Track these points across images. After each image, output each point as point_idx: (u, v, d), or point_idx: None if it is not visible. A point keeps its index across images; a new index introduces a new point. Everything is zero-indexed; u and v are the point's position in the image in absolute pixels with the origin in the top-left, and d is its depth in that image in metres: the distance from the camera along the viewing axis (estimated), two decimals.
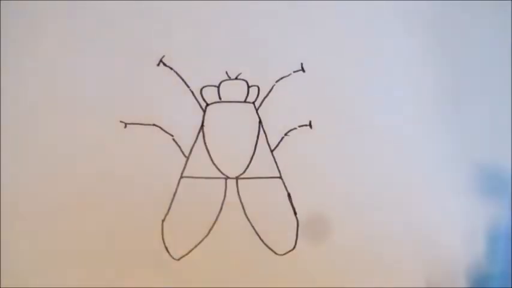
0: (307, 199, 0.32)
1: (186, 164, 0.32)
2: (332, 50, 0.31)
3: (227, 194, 0.32)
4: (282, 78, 0.31)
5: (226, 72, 0.31)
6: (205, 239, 0.32)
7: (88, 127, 0.31)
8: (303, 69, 0.31)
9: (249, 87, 0.31)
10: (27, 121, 0.31)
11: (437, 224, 0.32)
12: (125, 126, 0.31)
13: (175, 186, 0.32)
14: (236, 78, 0.31)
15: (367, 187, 0.32)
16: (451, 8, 0.31)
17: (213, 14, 0.31)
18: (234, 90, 0.31)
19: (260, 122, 0.32)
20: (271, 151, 0.32)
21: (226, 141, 0.32)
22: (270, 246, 0.32)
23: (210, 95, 0.31)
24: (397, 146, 0.32)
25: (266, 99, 0.32)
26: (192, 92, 0.31)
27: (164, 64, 0.31)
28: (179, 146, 0.32)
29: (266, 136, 0.32)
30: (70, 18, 0.31)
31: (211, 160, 0.32)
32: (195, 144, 0.32)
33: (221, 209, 0.32)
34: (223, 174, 0.32)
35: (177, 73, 0.31)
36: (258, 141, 0.32)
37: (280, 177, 0.32)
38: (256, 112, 0.32)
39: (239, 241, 0.32)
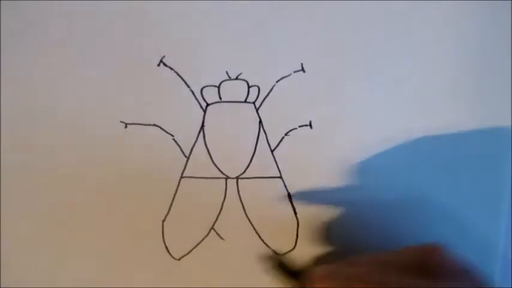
0: (307, 199, 0.32)
1: (186, 164, 0.32)
2: (332, 50, 0.31)
3: (227, 194, 0.32)
4: (282, 78, 0.31)
5: (227, 72, 0.31)
6: (205, 239, 0.32)
7: (88, 127, 0.31)
8: (303, 69, 0.31)
9: (249, 87, 0.31)
10: (27, 121, 0.31)
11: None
12: (125, 126, 0.31)
13: (175, 186, 0.32)
14: (236, 78, 0.31)
15: (368, 187, 0.32)
16: (451, 8, 0.31)
17: (213, 14, 0.31)
18: (234, 90, 0.31)
19: (260, 122, 0.32)
20: (272, 151, 0.32)
21: (226, 141, 0.32)
22: (270, 246, 0.32)
23: (210, 95, 0.31)
24: (397, 145, 0.32)
25: (266, 99, 0.32)
26: (192, 92, 0.31)
27: (164, 64, 0.31)
28: (179, 146, 0.32)
29: (266, 136, 0.32)
30: (70, 18, 0.31)
31: (212, 160, 0.32)
32: (195, 144, 0.32)
33: (221, 209, 0.32)
34: (224, 174, 0.32)
35: (177, 73, 0.31)
36: (258, 141, 0.32)
37: (281, 177, 0.32)
38: (257, 112, 0.32)
39: (239, 241, 0.32)
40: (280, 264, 0.30)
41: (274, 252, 0.32)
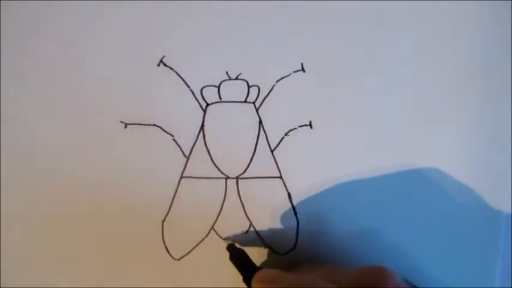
0: (308, 199, 0.32)
1: (186, 164, 0.32)
2: (332, 50, 0.31)
3: (227, 194, 0.32)
4: (282, 78, 0.31)
5: (227, 72, 0.31)
6: (205, 239, 0.32)
7: (88, 127, 0.31)
8: (303, 69, 0.31)
9: (249, 87, 0.31)
10: (26, 121, 0.31)
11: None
12: (125, 126, 0.31)
13: (175, 186, 0.32)
14: (236, 78, 0.31)
15: (368, 187, 0.32)
16: (451, 8, 0.31)
17: (213, 14, 0.31)
18: (234, 90, 0.31)
19: (260, 122, 0.32)
20: (271, 151, 0.32)
21: (226, 141, 0.32)
22: (270, 246, 0.32)
23: (210, 95, 0.31)
24: (398, 146, 0.32)
25: (266, 99, 0.32)
26: (192, 92, 0.31)
27: (164, 64, 0.31)
28: (179, 146, 0.32)
29: (266, 136, 0.32)
30: (70, 18, 0.31)
31: (212, 160, 0.32)
32: (195, 144, 0.32)
33: (221, 209, 0.32)
34: (224, 174, 0.32)
35: (177, 73, 0.31)
36: (258, 141, 0.32)
37: (281, 177, 0.32)
38: (257, 112, 0.32)
39: (239, 241, 0.32)
40: (237, 256, 0.30)
41: (274, 252, 0.32)
